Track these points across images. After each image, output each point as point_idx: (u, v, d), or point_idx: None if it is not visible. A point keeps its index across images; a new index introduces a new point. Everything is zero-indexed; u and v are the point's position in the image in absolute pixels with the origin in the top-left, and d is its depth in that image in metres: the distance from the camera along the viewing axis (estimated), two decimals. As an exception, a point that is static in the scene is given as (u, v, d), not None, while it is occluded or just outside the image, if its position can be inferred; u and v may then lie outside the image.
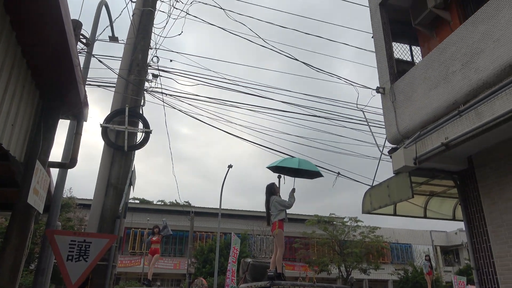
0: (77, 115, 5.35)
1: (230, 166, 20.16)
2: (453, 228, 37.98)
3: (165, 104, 8.59)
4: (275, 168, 6.96)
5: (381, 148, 7.37)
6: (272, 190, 6.59)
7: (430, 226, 36.63)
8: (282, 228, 6.22)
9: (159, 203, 43.80)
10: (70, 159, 5.21)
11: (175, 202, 44.49)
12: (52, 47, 4.18)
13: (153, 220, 32.12)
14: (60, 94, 4.93)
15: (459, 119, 5.44)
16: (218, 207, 22.34)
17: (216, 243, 20.13)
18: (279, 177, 6.82)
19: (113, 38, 9.28)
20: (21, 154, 4.49)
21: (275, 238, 6.26)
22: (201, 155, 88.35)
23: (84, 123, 5.80)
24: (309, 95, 40.25)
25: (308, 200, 70.86)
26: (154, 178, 76.47)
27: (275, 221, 6.26)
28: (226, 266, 25.08)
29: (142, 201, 41.12)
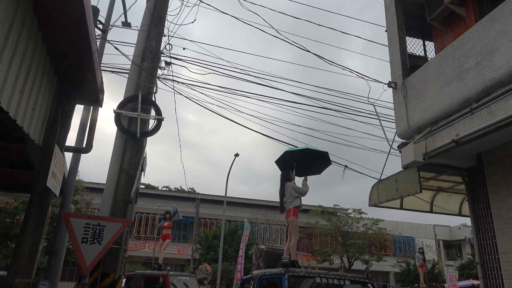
0: (93, 101, 5.44)
1: (236, 155, 20.28)
2: (457, 223, 38.05)
3: (175, 91, 8.67)
4: (281, 161, 6.86)
5: (390, 143, 7.41)
6: (287, 177, 6.48)
7: (433, 220, 36.70)
8: (296, 215, 6.11)
9: (165, 189, 44.20)
10: (85, 144, 5.33)
11: (180, 188, 44.92)
12: (72, 33, 4.26)
13: (161, 206, 32.52)
14: (77, 80, 5.02)
15: (471, 116, 5.46)
16: (223, 194, 22.56)
17: (221, 230, 20.38)
18: (293, 166, 6.65)
19: (126, 24, 9.31)
20: (40, 138, 4.61)
21: (290, 225, 6.18)
22: (206, 143, 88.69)
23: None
24: (319, 86, 40.05)
25: (312, 190, 70.98)
26: (159, 163, 77.01)
27: (289, 208, 6.14)
28: (230, 253, 25.50)
29: (148, 186, 41.52)
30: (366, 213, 28.48)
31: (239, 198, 35.78)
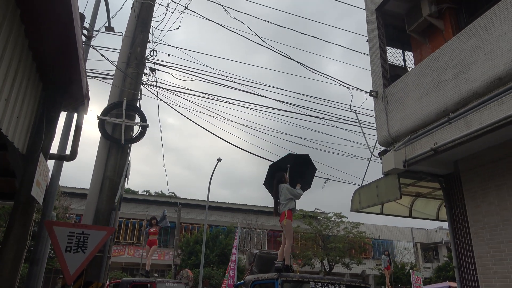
0: (78, 108, 5.40)
1: (219, 160, 20.27)
2: (434, 226, 39.02)
3: (159, 98, 8.65)
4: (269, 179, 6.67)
5: (371, 150, 7.61)
6: (281, 179, 6.31)
7: (411, 224, 37.49)
8: (291, 219, 5.95)
9: (145, 193, 43.63)
10: (70, 152, 5.28)
11: (161, 192, 44.45)
12: (59, 40, 4.23)
13: (140, 211, 32.08)
14: (63, 87, 4.97)
15: (449, 126, 5.69)
16: (204, 198, 22.48)
17: (203, 235, 20.29)
18: (287, 167, 6.53)
19: (110, 29, 9.25)
20: (24, 146, 4.55)
21: (284, 229, 6.00)
22: (186, 146, 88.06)
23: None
24: (302, 94, 40.52)
25: (293, 194, 71.40)
26: (138, 168, 75.92)
27: (283, 211, 5.95)
28: (212, 258, 25.39)
29: (128, 191, 40.88)
30: (346, 217, 28.90)
31: (221, 202, 35.69)
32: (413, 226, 39.30)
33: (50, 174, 6.49)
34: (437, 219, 8.59)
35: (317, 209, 31.16)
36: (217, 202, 34.66)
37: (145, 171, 78.14)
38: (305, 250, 29.90)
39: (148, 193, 44.03)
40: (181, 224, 26.69)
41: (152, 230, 10.72)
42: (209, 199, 22.88)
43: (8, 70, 3.74)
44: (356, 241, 29.65)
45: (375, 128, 7.73)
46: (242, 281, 5.80)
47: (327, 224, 29.31)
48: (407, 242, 37.53)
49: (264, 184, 6.73)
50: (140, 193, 43.05)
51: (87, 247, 5.03)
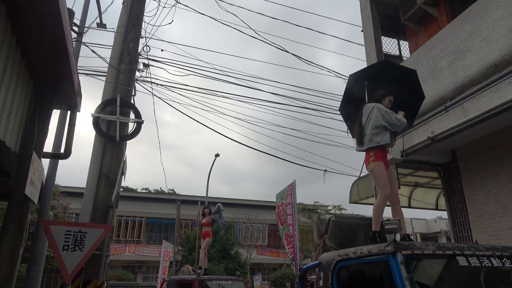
0: (71, 105, 5.33)
1: (217, 155, 20.23)
2: (433, 216, 39.16)
3: (153, 94, 8.58)
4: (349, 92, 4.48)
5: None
6: (372, 94, 4.14)
7: (410, 214, 37.63)
8: (381, 160, 3.87)
9: (144, 191, 43.60)
10: (64, 150, 5.22)
11: (160, 190, 44.43)
12: (48, 36, 4.16)
13: (139, 208, 32.07)
14: (54, 84, 4.90)
15: (445, 114, 5.65)
16: (203, 194, 22.46)
17: (197, 232, 20.30)
18: (365, 84, 4.29)
19: (101, 25, 9.13)
20: (16, 145, 4.48)
21: (372, 177, 4.18)
22: (184, 143, 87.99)
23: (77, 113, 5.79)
24: (298, 86, 40.44)
25: (292, 188, 71.59)
26: (137, 165, 75.88)
27: (368, 150, 3.95)
28: (212, 254, 25.40)
29: (126, 189, 40.85)
30: (346, 209, 28.99)
31: (220, 198, 35.68)
32: (412, 216, 39.47)
33: (45, 173, 6.44)
34: (436, 208, 8.59)
35: (317, 202, 31.24)
36: (216, 197, 34.67)
37: (143, 169, 78.11)
38: (305, 243, 29.99)
39: (147, 191, 43.99)
40: (180, 221, 26.69)
41: (204, 221, 9.67)
42: (208, 195, 22.87)
43: (-4, 68, 3.67)
44: (356, 233, 29.75)
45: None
46: (315, 262, 3.70)
47: (326, 217, 29.39)
48: (407, 232, 37.64)
49: (340, 108, 4.69)
50: (139, 191, 43.02)
51: (85, 245, 5.00)
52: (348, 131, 4.57)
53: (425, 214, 42.17)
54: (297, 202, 27.01)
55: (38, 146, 4.64)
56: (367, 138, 3.93)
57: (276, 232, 33.31)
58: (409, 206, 8.55)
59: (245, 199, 35.94)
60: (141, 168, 77.23)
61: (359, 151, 4.16)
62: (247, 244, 30.56)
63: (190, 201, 33.38)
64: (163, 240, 18.88)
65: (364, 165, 4.10)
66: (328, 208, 30.37)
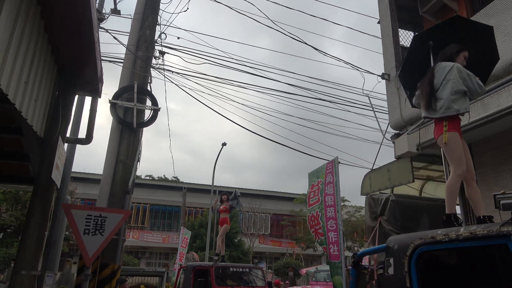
0: (93, 92, 5.37)
1: (224, 144, 20.30)
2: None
3: (169, 80, 8.59)
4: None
5: (383, 133, 7.59)
6: (449, 53, 3.55)
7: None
8: (456, 130, 3.41)
9: (147, 178, 43.84)
10: (86, 135, 5.27)
11: (164, 177, 44.66)
12: (75, 22, 4.18)
13: (143, 195, 32.28)
14: (77, 70, 4.94)
15: (464, 108, 5.65)
16: (206, 182, 22.61)
17: (208, 219, 20.49)
18: (429, 45, 3.81)
19: (116, 11, 9.11)
20: (41, 130, 4.54)
21: (444, 150, 3.66)
22: (189, 131, 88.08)
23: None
24: (311, 77, 40.23)
25: (295, 178, 71.89)
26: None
27: (441, 119, 3.43)
28: (216, 241, 25.72)
29: (131, 175, 41.00)
30: (349, 201, 29.10)
31: (224, 187, 35.86)
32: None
33: (63, 158, 6.52)
34: (447, 202, 8.62)
35: (320, 193, 31.35)
36: (220, 186, 34.86)
37: (146, 155, 78.44)
38: (308, 234, 30.22)
39: (151, 178, 44.23)
40: (185, 208, 26.92)
41: (222, 207, 9.61)
42: (211, 183, 23.02)
43: (27, 53, 3.71)
44: (359, 225, 29.93)
45: (383, 112, 7.70)
46: (373, 247, 3.38)
47: (330, 208, 29.55)
48: (409, 225, 37.89)
49: (399, 75, 4.20)
50: (143, 177, 43.25)
51: (105, 230, 5.09)
52: (407, 99, 4.03)
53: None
54: (301, 192, 26.99)
55: (62, 131, 4.70)
56: (444, 104, 3.33)
57: (278, 222, 33.55)
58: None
59: (249, 189, 36.09)
60: (144, 154, 77.57)
61: (426, 117, 3.73)
62: (250, 233, 30.81)
63: (194, 189, 33.59)
64: (181, 227, 19.08)
65: (434, 136, 3.62)
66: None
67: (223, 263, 8.55)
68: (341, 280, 4.34)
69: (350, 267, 3.45)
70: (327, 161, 5.68)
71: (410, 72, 3.94)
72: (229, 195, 9.85)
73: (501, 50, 5.10)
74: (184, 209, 24.07)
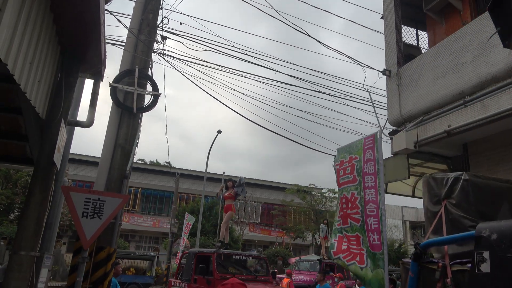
0: (95, 74, 5.31)
1: (219, 132, 20.28)
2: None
3: (173, 67, 8.52)
4: None
5: (380, 129, 7.65)
6: None
7: (401, 202, 38.27)
8: None
9: (140, 161, 43.66)
10: (87, 118, 5.24)
11: (156, 162, 44.52)
12: (80, 3, 4.11)
13: (135, 179, 32.20)
14: (80, 52, 4.87)
15: (464, 109, 5.72)
16: (197, 169, 22.62)
17: (200, 205, 20.56)
18: None
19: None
20: (43, 111, 4.50)
21: None
22: (181, 116, 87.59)
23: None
24: (311, 69, 40.14)
25: (287, 167, 72.20)
26: (133, 136, 75.47)
27: None
28: (207, 228, 25.81)
29: (123, 158, 40.81)
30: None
31: (216, 174, 35.92)
32: (403, 204, 40.18)
33: (62, 139, 6.47)
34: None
35: (312, 184, 31.60)
36: (212, 173, 34.89)
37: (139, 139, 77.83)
38: (297, 224, 30.53)
39: (143, 162, 44.07)
40: (177, 194, 26.95)
41: (227, 194, 9.48)
42: (203, 170, 23.05)
43: (33, 33, 3.66)
44: (348, 217, 30.30)
45: (381, 107, 7.75)
46: (449, 237, 2.87)
47: (320, 199, 29.82)
48: (397, 219, 38.44)
49: (490, 8, 3.06)
50: (135, 161, 43.10)
51: (103, 213, 5.10)
52: (498, 35, 3.15)
53: (415, 203, 42.87)
54: (293, 183, 26.99)
55: (64, 113, 4.66)
56: None
57: (269, 211, 33.81)
58: (413, 196, 8.72)
59: (240, 176, 36.16)
60: (137, 138, 76.98)
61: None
62: (241, 221, 31.02)
63: (186, 175, 33.57)
64: (186, 213, 19.15)
65: None
66: (323, 191, 30.76)
67: (226, 250, 8.54)
68: (383, 275, 3.83)
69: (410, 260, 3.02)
70: (364, 136, 4.83)
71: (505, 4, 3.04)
72: (234, 182, 9.74)
73: (505, 52, 5.17)
74: (176, 195, 24.09)
